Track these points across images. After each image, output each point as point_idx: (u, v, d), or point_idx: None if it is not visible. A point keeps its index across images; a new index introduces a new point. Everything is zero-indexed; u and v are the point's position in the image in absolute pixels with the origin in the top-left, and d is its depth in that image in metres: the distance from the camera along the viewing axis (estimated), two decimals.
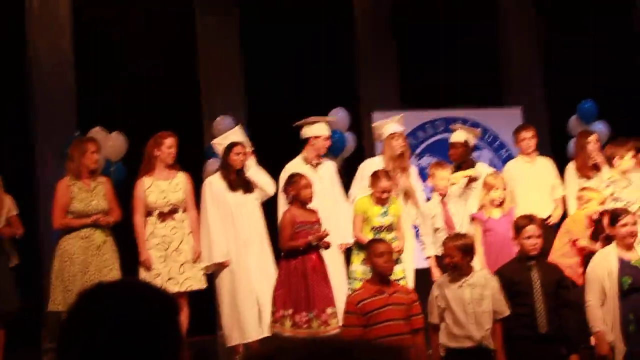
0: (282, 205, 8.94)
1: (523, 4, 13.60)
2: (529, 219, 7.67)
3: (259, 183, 9.08)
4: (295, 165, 9.23)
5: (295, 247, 8.23)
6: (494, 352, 7.27)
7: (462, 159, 9.56)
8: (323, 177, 9.22)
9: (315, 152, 9.33)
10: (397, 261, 8.44)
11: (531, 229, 7.49)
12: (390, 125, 9.49)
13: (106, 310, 2.06)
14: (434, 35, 12.95)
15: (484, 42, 13.36)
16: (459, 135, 9.81)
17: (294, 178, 8.46)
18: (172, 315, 2.15)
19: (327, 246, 8.43)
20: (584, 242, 8.57)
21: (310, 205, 8.50)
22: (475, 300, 7.22)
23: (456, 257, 7.30)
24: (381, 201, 8.63)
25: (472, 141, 9.82)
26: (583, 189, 9.00)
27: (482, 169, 9.60)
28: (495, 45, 13.55)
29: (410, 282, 8.79)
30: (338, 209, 9.22)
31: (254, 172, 9.14)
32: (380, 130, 9.54)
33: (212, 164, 10.11)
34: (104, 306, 2.08)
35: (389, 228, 8.60)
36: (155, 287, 2.24)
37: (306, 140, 9.39)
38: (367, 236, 8.47)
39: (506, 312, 7.27)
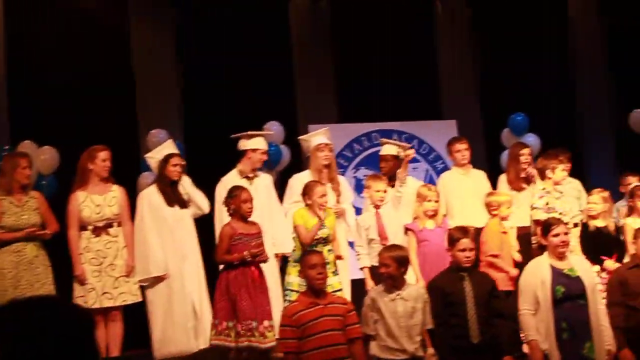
0: (218, 218, 8.92)
1: (459, 20, 13.74)
2: (463, 231, 7.71)
3: (196, 201, 9.06)
4: (231, 178, 9.21)
5: (229, 261, 8.18)
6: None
7: (393, 172, 9.60)
8: (258, 189, 9.20)
9: (251, 165, 9.32)
10: (334, 272, 8.45)
11: (465, 242, 7.52)
12: (317, 137, 9.55)
13: (20, 326, 2.03)
14: (371, 49, 13.02)
15: (420, 56, 13.47)
16: (389, 149, 9.84)
17: (235, 192, 8.42)
18: (87, 330, 2.12)
19: (264, 260, 8.42)
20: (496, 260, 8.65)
21: (253, 219, 8.50)
22: (408, 314, 7.29)
23: (391, 268, 7.33)
24: (322, 208, 8.61)
25: (402, 154, 9.85)
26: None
27: (412, 182, 9.67)
28: (431, 59, 13.65)
29: (347, 294, 8.79)
30: (274, 221, 9.21)
31: (191, 190, 9.10)
32: (307, 143, 9.56)
33: (146, 177, 10.05)
34: (18, 322, 2.04)
35: (325, 240, 8.60)
36: (70, 304, 2.21)
37: (243, 153, 9.36)
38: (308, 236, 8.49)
39: (430, 325, 7.37)
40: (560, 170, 9.20)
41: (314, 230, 8.56)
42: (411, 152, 9.64)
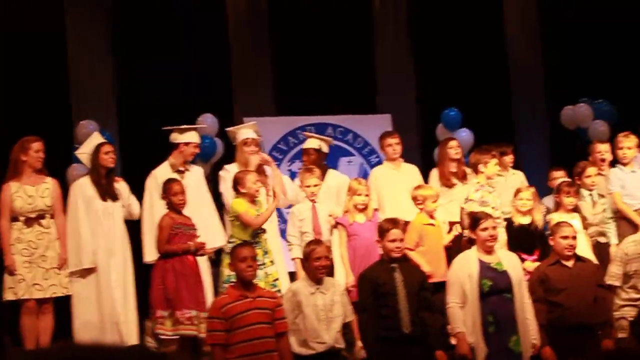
0: (148, 211, 8.96)
1: (396, 14, 13.82)
2: (393, 222, 7.82)
3: (130, 208, 9.08)
4: (162, 171, 9.22)
5: (172, 251, 8.22)
6: (343, 351, 7.53)
7: (316, 165, 9.67)
8: (190, 183, 9.19)
9: (183, 158, 9.32)
10: (272, 262, 8.49)
11: (395, 233, 7.64)
12: (244, 132, 9.53)
13: None
14: (309, 43, 13.06)
15: (357, 50, 13.52)
16: (312, 142, 9.89)
17: (166, 185, 8.47)
18: None
19: (205, 254, 8.49)
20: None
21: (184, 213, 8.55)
22: (327, 307, 7.40)
23: (328, 261, 7.52)
24: (257, 192, 8.63)
25: (325, 148, 9.91)
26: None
27: (334, 176, 9.76)
28: (367, 53, 13.72)
29: (284, 284, 8.81)
30: (205, 215, 9.22)
31: (126, 195, 9.10)
32: (234, 136, 9.58)
33: (75, 168, 10.02)
34: None
35: (263, 230, 8.62)
36: None
37: (174, 146, 9.35)
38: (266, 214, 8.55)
39: (351, 317, 7.52)
40: (492, 165, 9.29)
41: (269, 211, 8.58)
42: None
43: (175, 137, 9.35)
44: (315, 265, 7.50)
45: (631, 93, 13.06)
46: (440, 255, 8.92)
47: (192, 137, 9.40)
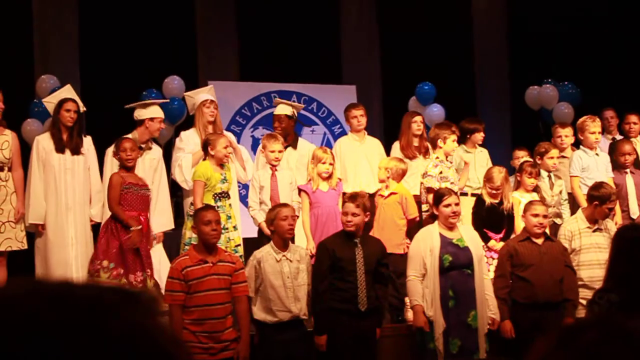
0: (107, 176, 8.88)
1: None
2: (350, 196, 7.81)
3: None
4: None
5: (121, 218, 8.12)
6: (306, 322, 7.56)
7: (287, 132, 9.64)
8: (146, 162, 9.08)
9: (149, 135, 9.19)
10: (235, 227, 8.46)
11: (348, 207, 7.61)
12: (203, 94, 9.51)
13: None
14: (275, 10, 13.00)
15: (323, 20, 13.49)
16: (284, 109, 9.85)
17: (119, 141, 8.38)
18: None
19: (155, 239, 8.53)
20: None
21: None
22: (293, 274, 7.39)
23: (294, 222, 7.49)
24: (227, 158, 8.61)
25: (295, 115, 9.91)
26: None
27: (305, 144, 9.75)
28: (334, 23, 13.69)
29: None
30: (158, 197, 9.15)
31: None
32: (193, 99, 9.52)
33: (30, 123, 9.94)
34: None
35: (227, 195, 8.60)
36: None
37: (139, 123, 9.21)
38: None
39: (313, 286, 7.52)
40: (451, 141, 9.30)
41: (198, 195, 8.53)
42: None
43: (139, 114, 9.20)
44: (282, 224, 7.45)
45: (594, 76, 13.16)
46: (393, 227, 8.90)
47: (156, 111, 9.26)
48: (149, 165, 9.16)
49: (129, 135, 9.05)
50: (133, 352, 1.21)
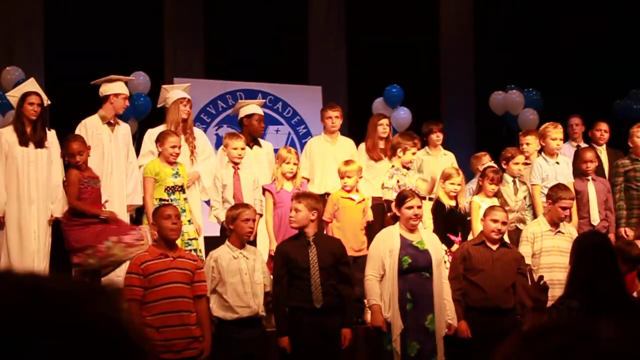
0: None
1: None
2: (297, 195, 7.83)
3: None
4: (92, 122, 9.08)
5: (83, 210, 8.09)
6: (263, 319, 7.59)
7: (257, 133, 9.65)
8: (118, 137, 9.09)
9: (114, 111, 9.16)
10: (189, 221, 8.44)
11: (292, 203, 7.64)
12: (179, 91, 9.49)
13: None
14: (243, 8, 12.98)
15: (291, 20, 13.48)
16: (255, 108, 9.84)
17: (67, 142, 8.35)
18: None
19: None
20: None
21: (104, 166, 8.45)
22: (250, 272, 7.39)
23: (252, 230, 7.47)
24: (173, 158, 8.59)
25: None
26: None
27: (266, 145, 9.77)
28: (302, 24, 13.69)
29: (200, 245, 8.78)
30: (129, 171, 9.13)
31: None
32: (167, 95, 9.48)
33: None
34: None
35: (182, 189, 8.58)
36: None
37: (105, 99, 9.19)
38: (153, 204, 8.45)
39: (269, 287, 7.53)
40: (410, 153, 9.29)
41: (148, 191, 8.53)
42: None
43: (104, 89, 9.17)
44: (242, 225, 7.45)
45: (558, 83, 13.26)
46: (355, 228, 8.94)
47: (121, 87, 9.23)
48: (122, 141, 9.16)
49: (95, 115, 9.01)
50: (105, 345, 1.21)
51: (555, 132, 9.95)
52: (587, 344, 1.30)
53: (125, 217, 8.89)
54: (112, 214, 8.22)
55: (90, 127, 8.91)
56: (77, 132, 8.90)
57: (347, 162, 9.05)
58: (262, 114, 9.87)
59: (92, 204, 8.19)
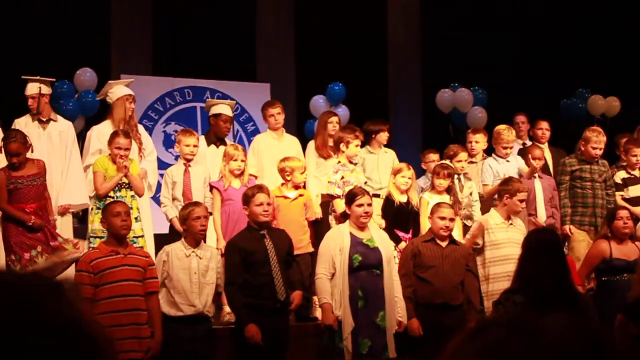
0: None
1: None
2: (258, 187, 7.85)
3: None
4: (22, 121, 9.02)
5: (11, 215, 8.00)
6: (212, 319, 7.63)
7: (222, 133, 9.66)
8: (52, 135, 8.99)
9: (31, 110, 9.05)
10: (136, 219, 8.40)
11: (261, 197, 7.64)
12: (125, 88, 9.44)
13: None
14: (192, 4, 12.93)
15: (239, 16, 13.46)
16: (223, 108, 9.82)
17: (5, 143, 8.22)
18: None
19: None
20: None
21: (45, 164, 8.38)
22: (202, 271, 7.38)
23: (205, 227, 7.46)
24: (113, 160, 8.55)
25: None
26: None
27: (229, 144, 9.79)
28: (250, 20, 13.66)
29: (150, 248, 8.73)
30: (70, 170, 9.03)
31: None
32: (111, 90, 9.41)
33: None
34: None
35: (128, 186, 8.53)
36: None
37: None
38: (110, 183, 8.41)
39: (222, 288, 7.57)
40: (353, 146, 9.30)
41: (111, 183, 8.46)
42: None
43: (29, 89, 9.07)
44: (194, 224, 7.44)
45: (503, 81, 13.39)
46: (300, 228, 8.94)
47: (32, 89, 9.08)
48: (59, 139, 9.05)
49: (28, 115, 8.91)
50: (60, 341, 1.20)
51: (508, 136, 10.06)
52: (527, 337, 1.33)
53: (66, 219, 8.82)
54: (41, 222, 8.08)
55: (20, 126, 8.81)
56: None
57: (288, 159, 9.07)
58: (231, 115, 9.83)
59: (30, 203, 8.09)
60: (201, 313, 7.40)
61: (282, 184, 9.03)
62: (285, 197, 8.92)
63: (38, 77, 9.16)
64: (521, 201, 8.70)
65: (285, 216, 8.87)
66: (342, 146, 9.20)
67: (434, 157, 10.41)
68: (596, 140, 10.06)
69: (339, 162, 9.21)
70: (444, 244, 8.02)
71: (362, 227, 7.75)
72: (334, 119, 10.17)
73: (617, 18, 13.83)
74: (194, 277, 7.39)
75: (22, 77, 9.13)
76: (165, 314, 7.34)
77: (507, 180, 8.91)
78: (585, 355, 1.32)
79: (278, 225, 8.58)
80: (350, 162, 9.23)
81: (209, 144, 9.60)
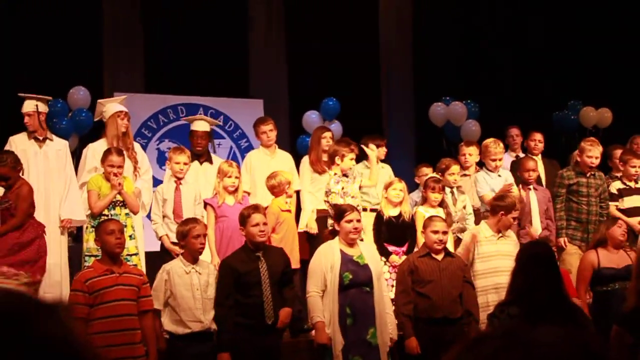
0: None
1: (273, 2, 13.86)
2: (254, 208, 7.80)
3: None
4: (19, 138, 9.02)
5: None
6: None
7: (194, 149, 9.65)
8: (49, 154, 8.99)
9: (32, 127, 9.04)
10: (130, 237, 8.39)
11: (257, 217, 7.60)
12: (116, 105, 9.45)
13: None
14: (182, 22, 12.96)
15: (231, 33, 13.48)
16: (203, 125, 9.84)
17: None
18: None
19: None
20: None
21: (38, 182, 8.35)
22: (203, 287, 7.36)
23: (204, 245, 7.50)
24: (107, 178, 8.55)
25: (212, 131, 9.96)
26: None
27: (218, 160, 9.80)
28: (242, 37, 13.69)
29: (142, 260, 8.73)
30: (66, 188, 9.02)
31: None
32: (104, 108, 9.43)
33: None
34: None
35: (123, 204, 8.54)
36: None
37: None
38: (104, 201, 8.42)
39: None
40: (348, 159, 9.31)
41: (105, 202, 8.46)
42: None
43: (25, 106, 9.09)
44: (193, 242, 7.43)
45: (496, 94, 13.43)
46: (294, 243, 8.99)
47: (26, 106, 9.09)
48: (55, 157, 9.04)
49: (24, 132, 8.93)
50: None
51: (495, 150, 10.06)
52: (521, 349, 1.34)
53: (61, 237, 8.81)
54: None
55: (18, 144, 8.83)
56: (6, 148, 8.82)
57: (277, 173, 9.10)
58: (206, 130, 9.83)
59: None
60: (207, 329, 7.36)
61: (288, 197, 9.04)
62: (290, 211, 8.96)
63: (35, 95, 9.18)
64: (515, 218, 8.71)
65: (290, 230, 8.92)
66: (337, 159, 9.21)
67: (427, 170, 10.39)
68: (591, 150, 10.09)
69: (335, 174, 9.23)
70: (439, 257, 7.99)
71: (351, 244, 7.71)
72: (328, 134, 10.19)
73: (608, 30, 13.88)
74: (197, 293, 7.35)
75: (19, 94, 9.13)
76: (172, 332, 7.31)
77: (501, 197, 8.88)
78: None
79: (281, 237, 8.64)
80: (345, 176, 9.25)
81: (192, 160, 9.56)
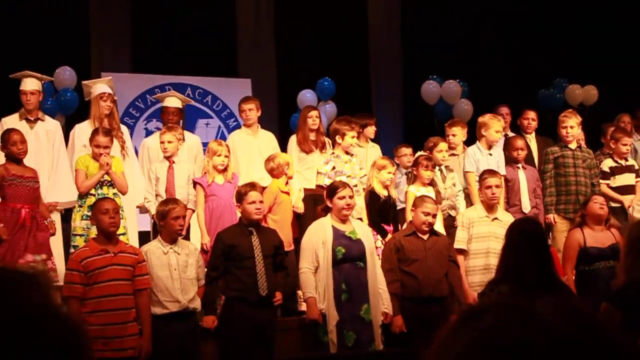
0: None
1: None
2: (251, 185, 7.85)
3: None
4: (10, 120, 9.00)
5: None
6: (199, 313, 7.57)
7: (163, 123, 9.65)
8: (39, 134, 8.98)
9: (26, 106, 9.04)
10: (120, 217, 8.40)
11: (254, 195, 7.65)
12: (100, 86, 9.41)
13: None
14: (171, 1, 12.92)
15: (219, 12, 13.44)
16: (174, 101, 9.83)
17: (5, 135, 8.23)
18: None
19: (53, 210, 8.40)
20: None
21: (28, 163, 8.33)
22: (181, 267, 7.39)
23: (183, 227, 7.50)
24: (95, 159, 8.54)
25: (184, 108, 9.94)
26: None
27: (190, 137, 9.82)
28: (230, 16, 13.66)
29: (133, 240, 8.74)
30: (57, 168, 9.02)
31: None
32: (89, 89, 9.41)
33: None
34: None
35: (110, 184, 8.53)
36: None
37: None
38: (91, 181, 8.41)
39: (203, 282, 7.56)
40: (349, 137, 9.36)
41: (92, 181, 8.45)
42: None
43: (26, 84, 9.09)
44: (172, 223, 7.45)
45: (485, 73, 13.43)
46: (290, 227, 9.01)
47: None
48: (46, 138, 9.04)
49: (16, 113, 8.92)
50: (36, 331, 1.22)
51: (498, 124, 10.05)
52: (526, 320, 1.31)
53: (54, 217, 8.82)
54: (7, 236, 8.00)
55: (8, 125, 8.79)
56: None
57: (275, 156, 9.10)
58: (176, 106, 9.80)
59: (17, 202, 8.06)
60: (186, 309, 7.40)
61: (288, 179, 9.07)
62: (288, 194, 8.98)
63: (39, 74, 9.20)
64: (493, 194, 8.71)
65: (287, 212, 8.94)
66: (338, 138, 9.28)
67: (406, 150, 10.45)
68: (565, 120, 10.13)
69: (333, 153, 9.26)
70: (425, 236, 8.03)
71: (343, 220, 7.76)
72: (314, 113, 10.14)
73: (592, 7, 13.89)
74: (175, 273, 7.39)
75: (25, 72, 9.10)
76: (152, 313, 7.34)
77: (481, 174, 8.96)
78: (584, 340, 1.31)
79: (278, 218, 8.68)
80: (347, 153, 9.28)
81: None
